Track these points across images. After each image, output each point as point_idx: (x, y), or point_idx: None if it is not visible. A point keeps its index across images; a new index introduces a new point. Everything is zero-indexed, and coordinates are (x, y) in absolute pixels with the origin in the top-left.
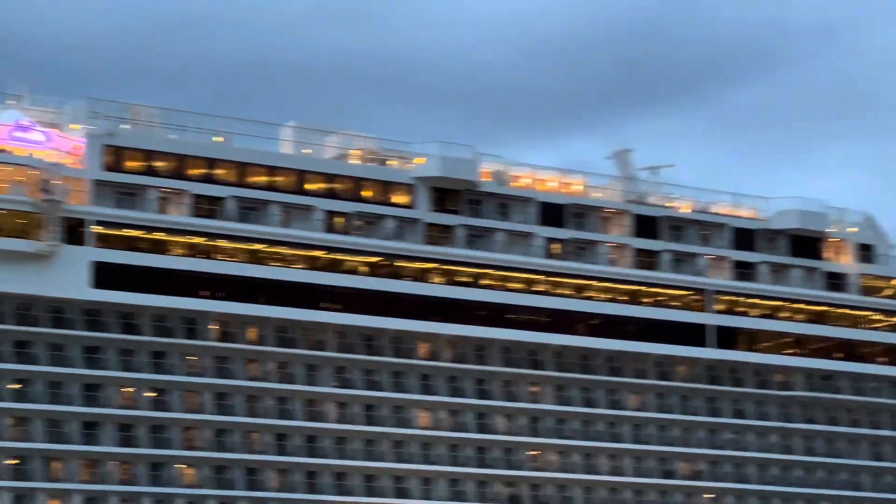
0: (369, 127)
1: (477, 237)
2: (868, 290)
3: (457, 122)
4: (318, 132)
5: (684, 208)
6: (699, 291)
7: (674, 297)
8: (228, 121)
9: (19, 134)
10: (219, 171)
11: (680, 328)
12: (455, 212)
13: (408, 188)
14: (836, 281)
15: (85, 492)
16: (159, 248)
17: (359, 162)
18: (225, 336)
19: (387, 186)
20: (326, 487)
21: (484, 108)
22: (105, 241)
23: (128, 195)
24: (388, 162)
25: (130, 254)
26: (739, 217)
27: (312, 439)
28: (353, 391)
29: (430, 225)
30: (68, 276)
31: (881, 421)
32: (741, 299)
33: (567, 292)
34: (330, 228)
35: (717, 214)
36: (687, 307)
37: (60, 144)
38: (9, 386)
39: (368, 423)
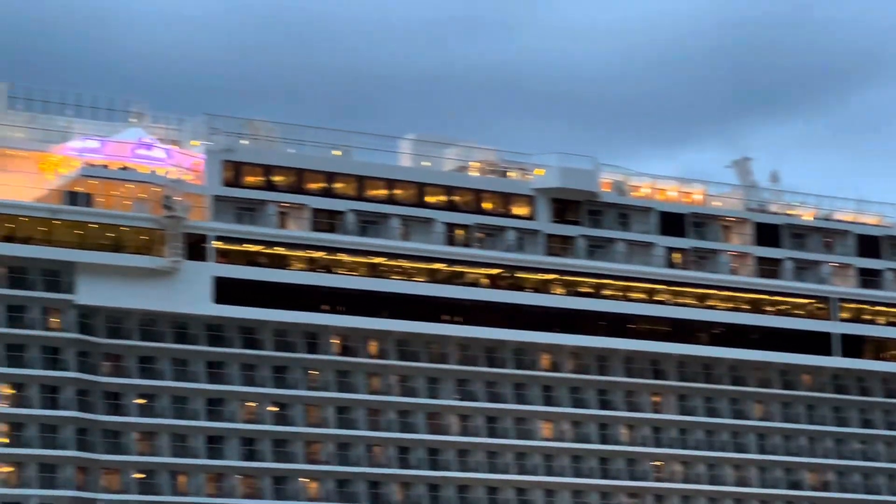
0: (488, 138)
1: (597, 247)
2: None
3: (576, 133)
4: (437, 144)
5: (806, 216)
6: (823, 300)
7: (797, 306)
8: (347, 134)
9: (141, 151)
10: (338, 185)
11: (804, 337)
12: (575, 222)
13: (528, 199)
14: None
15: None
16: (279, 262)
17: (479, 174)
18: (346, 350)
19: (507, 198)
20: (449, 500)
21: (603, 118)
22: (226, 257)
23: (247, 210)
24: (507, 173)
25: (251, 269)
26: (863, 224)
27: (435, 452)
28: (476, 403)
29: (551, 236)
30: (191, 292)
31: None
32: (867, 307)
33: (689, 302)
34: (450, 241)
35: (840, 221)
36: (811, 316)
37: (181, 161)
38: (135, 401)
39: (491, 436)
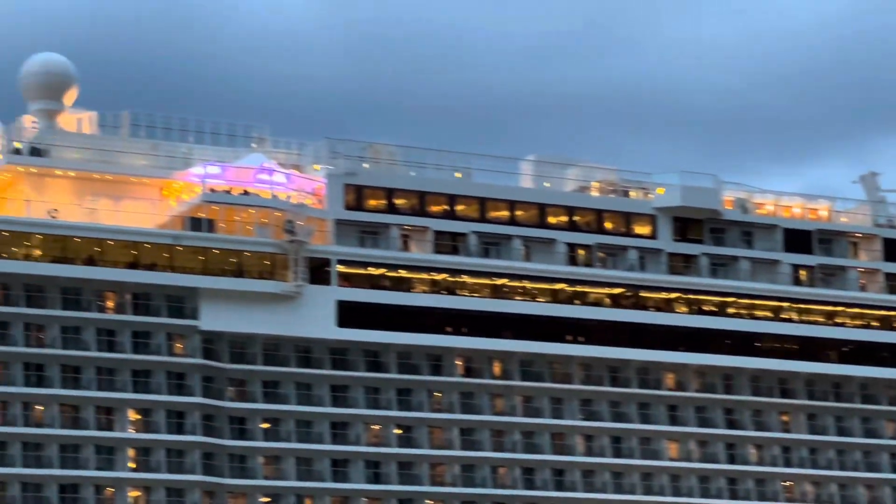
0: (609, 158)
1: (721, 266)
2: None
3: (697, 151)
4: (557, 165)
5: None
6: None
7: None
8: (467, 156)
9: (263, 176)
10: (460, 207)
11: None
12: (698, 241)
13: (649, 219)
14: None
15: None
16: (402, 285)
17: (599, 194)
18: (470, 371)
19: (628, 217)
20: None
21: (725, 135)
22: (349, 280)
23: (370, 234)
24: (629, 193)
25: (374, 292)
26: None
27: (560, 473)
28: (601, 423)
29: (673, 255)
30: (314, 316)
31: None
32: None
33: (817, 319)
34: (572, 261)
35: None
36: None
37: (302, 185)
38: (260, 425)
39: (616, 456)
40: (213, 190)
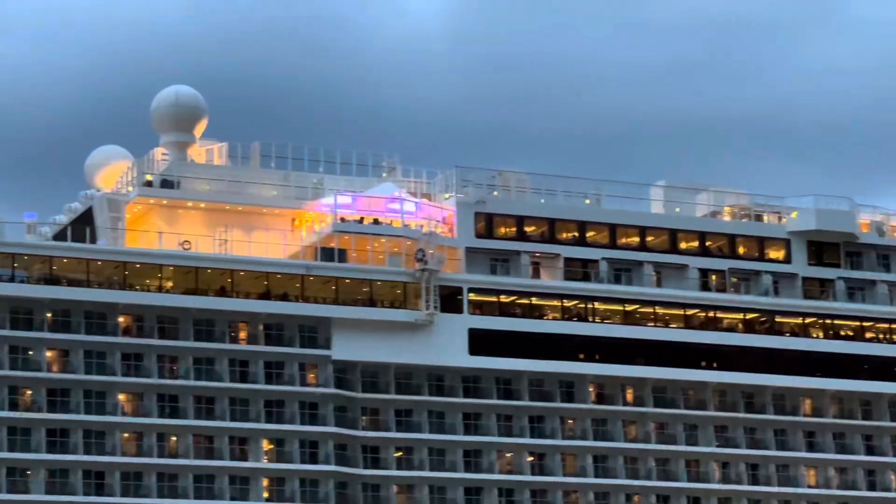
0: (741, 182)
1: (857, 290)
2: None
3: (831, 174)
4: (688, 190)
5: None
6: None
7: None
8: (597, 182)
9: (394, 206)
10: (590, 234)
11: None
12: (834, 265)
13: (783, 243)
14: None
15: None
16: (533, 312)
17: (731, 218)
18: (602, 398)
19: (762, 242)
20: None
21: (859, 158)
22: (480, 308)
23: (500, 261)
24: (761, 217)
25: (506, 320)
26: None
27: (696, 501)
28: (737, 450)
29: (808, 279)
30: (446, 344)
31: None
32: None
33: None
34: (705, 286)
35: None
36: None
37: (433, 214)
38: (393, 454)
39: (753, 483)
40: (343, 220)
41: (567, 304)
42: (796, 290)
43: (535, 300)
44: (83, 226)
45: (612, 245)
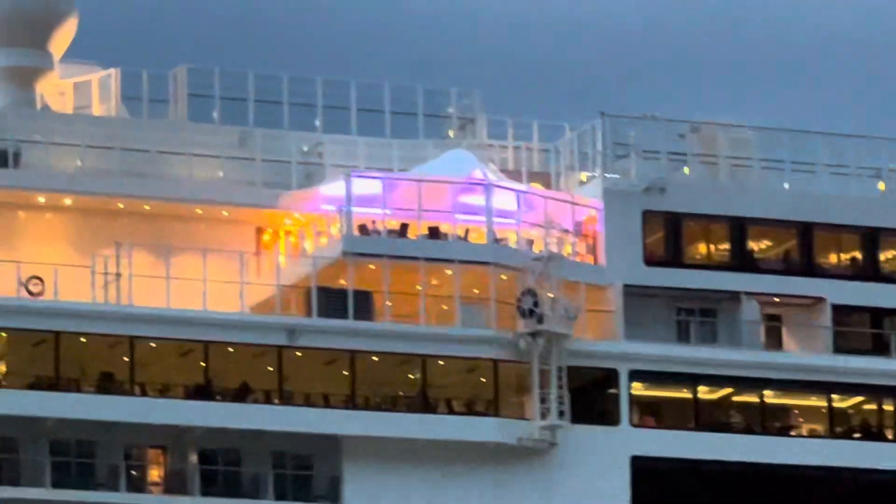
0: None
1: None
2: None
3: None
4: None
5: None
6: None
7: None
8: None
9: (470, 198)
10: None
11: None
12: None
13: None
14: None
15: None
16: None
17: None
18: None
19: None
20: None
21: None
22: (654, 413)
23: (699, 313)
24: None
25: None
26: None
27: None
28: None
29: None
30: (585, 491)
31: None
32: None
33: None
34: None
35: None
36: None
37: (554, 214)
38: None
39: None
40: (365, 228)
41: (840, 404)
42: None
43: (771, 396)
44: None
45: None
